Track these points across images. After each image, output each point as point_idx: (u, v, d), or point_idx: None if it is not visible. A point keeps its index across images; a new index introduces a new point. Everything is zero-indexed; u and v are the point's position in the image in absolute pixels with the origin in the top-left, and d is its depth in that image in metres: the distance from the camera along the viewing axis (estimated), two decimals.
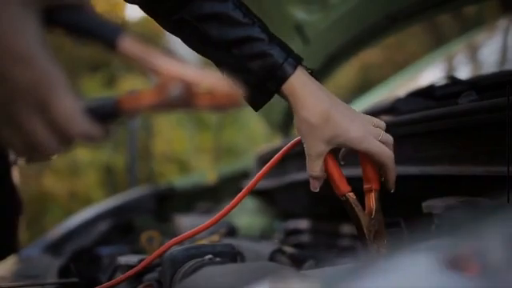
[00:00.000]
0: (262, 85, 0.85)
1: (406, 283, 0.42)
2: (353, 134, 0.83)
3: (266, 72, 0.84)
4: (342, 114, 0.84)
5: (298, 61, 0.85)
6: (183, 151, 5.40)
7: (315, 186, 0.86)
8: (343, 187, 0.84)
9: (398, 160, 0.93)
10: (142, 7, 0.88)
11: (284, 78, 0.84)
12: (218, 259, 0.74)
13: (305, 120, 0.84)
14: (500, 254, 0.42)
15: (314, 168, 0.85)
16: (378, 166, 0.86)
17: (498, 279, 0.40)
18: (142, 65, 0.55)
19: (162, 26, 0.90)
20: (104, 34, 0.55)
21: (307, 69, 0.86)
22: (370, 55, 5.58)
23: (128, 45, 0.55)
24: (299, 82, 0.84)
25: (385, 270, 0.44)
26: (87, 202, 3.97)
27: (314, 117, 0.83)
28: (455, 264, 0.42)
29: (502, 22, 1.79)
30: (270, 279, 0.49)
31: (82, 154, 5.32)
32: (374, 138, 0.84)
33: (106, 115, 0.55)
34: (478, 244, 0.43)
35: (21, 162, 0.60)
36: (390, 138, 0.86)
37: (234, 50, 0.84)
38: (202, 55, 0.89)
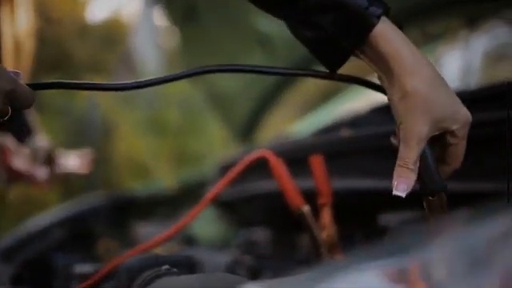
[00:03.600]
0: (337, 42, 0.67)
1: None
2: (462, 117, 0.65)
3: (342, 25, 0.66)
4: (446, 85, 0.66)
5: (383, 8, 0.65)
6: (142, 156, 5.33)
7: (406, 185, 0.64)
8: (298, 201, 0.84)
9: (357, 174, 0.94)
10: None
11: (368, 29, 0.65)
12: (174, 270, 0.73)
13: (413, 89, 0.63)
14: (446, 270, 0.43)
15: (411, 156, 0.64)
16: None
17: None
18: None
19: None
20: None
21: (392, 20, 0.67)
22: None
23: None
24: (391, 37, 0.65)
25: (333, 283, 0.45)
26: (41, 206, 3.88)
27: (425, 84, 0.64)
28: (402, 280, 0.43)
29: (464, 34, 1.83)
30: None
31: None
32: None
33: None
34: (426, 259, 0.44)
35: None
36: None
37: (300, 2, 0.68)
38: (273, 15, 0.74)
